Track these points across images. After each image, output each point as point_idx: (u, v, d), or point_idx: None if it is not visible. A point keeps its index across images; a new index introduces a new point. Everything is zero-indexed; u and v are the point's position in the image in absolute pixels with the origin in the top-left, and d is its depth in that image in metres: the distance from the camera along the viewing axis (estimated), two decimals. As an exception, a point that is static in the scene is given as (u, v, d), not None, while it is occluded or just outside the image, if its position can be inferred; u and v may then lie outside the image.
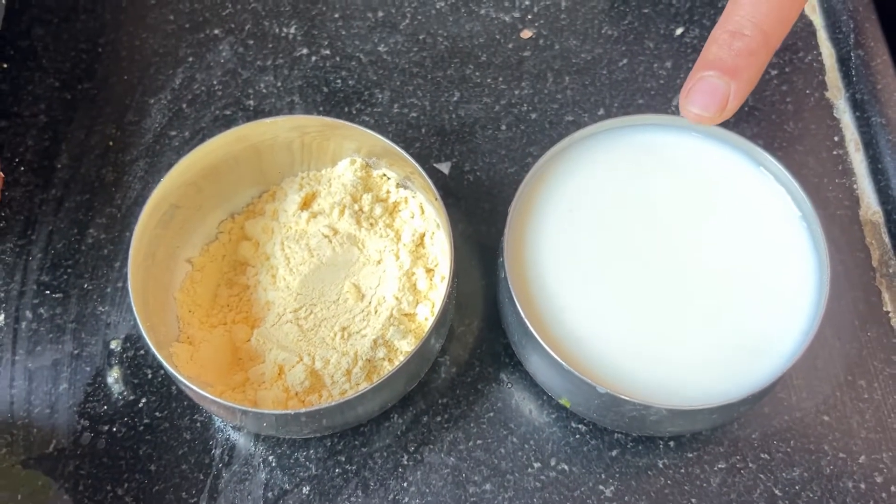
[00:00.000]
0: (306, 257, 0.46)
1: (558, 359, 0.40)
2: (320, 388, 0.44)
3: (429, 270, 0.47)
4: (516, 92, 0.56)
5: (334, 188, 0.49)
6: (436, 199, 0.45)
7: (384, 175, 0.50)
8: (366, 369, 0.44)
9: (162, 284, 0.47)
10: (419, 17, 0.59)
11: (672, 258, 0.43)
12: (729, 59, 0.42)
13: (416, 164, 0.45)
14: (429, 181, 0.45)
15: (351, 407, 0.42)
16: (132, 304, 0.42)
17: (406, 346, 0.45)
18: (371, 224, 0.48)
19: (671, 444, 0.46)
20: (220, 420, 0.47)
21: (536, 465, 0.45)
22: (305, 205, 0.49)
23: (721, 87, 0.42)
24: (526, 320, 0.41)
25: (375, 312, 0.46)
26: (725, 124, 0.44)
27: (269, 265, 0.47)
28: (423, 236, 0.48)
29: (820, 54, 0.57)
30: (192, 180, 0.47)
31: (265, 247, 0.48)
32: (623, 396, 0.39)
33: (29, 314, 0.50)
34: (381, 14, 0.59)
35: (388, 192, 0.49)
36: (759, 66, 0.43)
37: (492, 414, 0.47)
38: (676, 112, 0.45)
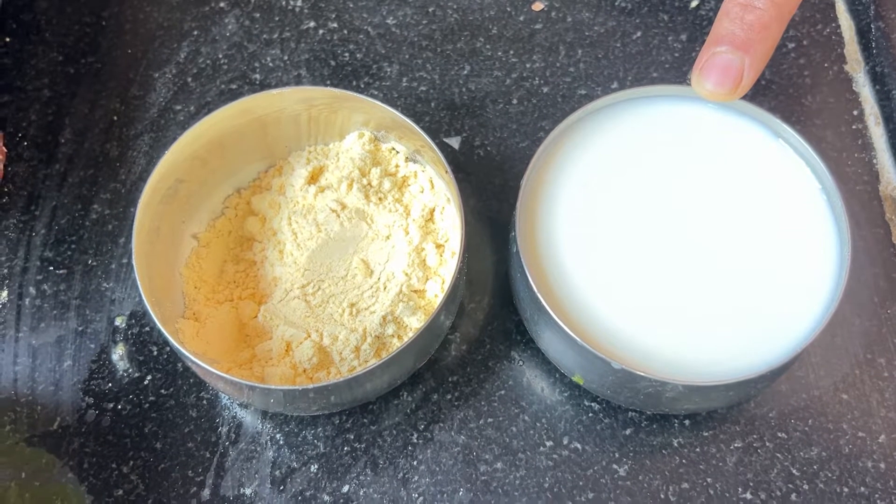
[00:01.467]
0: (314, 232, 0.45)
1: (571, 334, 0.39)
2: (328, 364, 0.43)
3: (439, 246, 0.46)
4: (528, 65, 0.55)
5: (342, 162, 0.48)
6: (446, 172, 0.44)
7: (393, 149, 0.49)
8: (374, 346, 0.43)
9: (167, 260, 0.46)
10: (428, -10, 0.58)
11: (688, 232, 0.42)
12: (741, 34, 0.41)
13: (427, 137, 0.44)
14: (439, 154, 0.44)
15: (359, 383, 0.41)
16: (137, 279, 0.41)
17: (416, 323, 0.44)
18: (380, 199, 0.47)
19: (686, 422, 0.45)
20: (227, 397, 0.46)
21: (549, 443, 0.44)
22: (313, 179, 0.48)
23: (735, 62, 0.41)
24: (538, 295, 0.40)
25: (384, 288, 0.45)
26: (742, 97, 0.43)
27: (276, 240, 0.46)
28: (432, 211, 0.47)
29: (839, 26, 0.56)
30: (197, 154, 0.46)
31: (272, 222, 0.47)
32: (638, 372, 0.38)
33: (33, 290, 0.49)
34: (389, -14, 0.58)
35: (396, 166, 0.48)
36: (773, 40, 0.42)
37: (503, 392, 0.46)
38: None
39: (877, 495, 0.43)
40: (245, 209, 0.49)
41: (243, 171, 0.49)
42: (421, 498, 0.43)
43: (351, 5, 0.57)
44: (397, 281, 0.45)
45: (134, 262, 0.42)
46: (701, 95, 0.42)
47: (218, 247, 0.48)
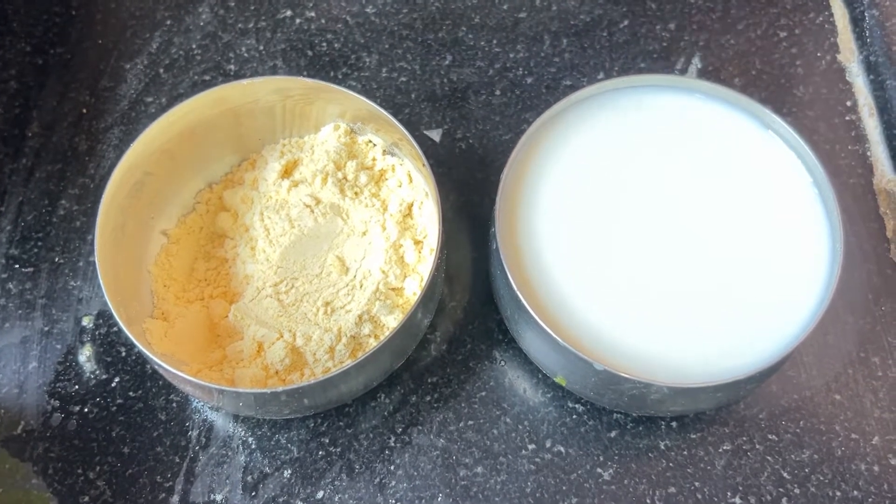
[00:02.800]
0: (287, 228, 0.44)
1: (553, 334, 0.37)
2: (302, 365, 0.42)
3: (417, 242, 0.44)
4: (511, 55, 0.53)
5: (317, 155, 0.46)
6: (424, 165, 0.42)
7: (370, 142, 0.47)
8: (350, 346, 0.41)
9: (134, 257, 0.44)
10: (409, -22, 0.56)
11: (675, 227, 0.41)
12: None
13: (403, 129, 0.42)
14: (416, 147, 0.42)
15: (333, 385, 0.39)
16: (100, 278, 0.40)
17: (393, 322, 0.42)
18: (356, 193, 0.45)
19: (673, 424, 0.43)
20: (198, 400, 0.44)
21: (531, 446, 0.43)
22: (287, 173, 0.46)
23: None
24: (519, 293, 0.38)
25: (361, 286, 0.43)
26: (732, 86, 0.42)
27: (248, 237, 0.45)
28: (410, 206, 0.45)
29: (832, 15, 0.54)
30: (166, 147, 0.44)
31: (244, 218, 0.45)
32: (622, 374, 0.37)
33: (-3, 289, 0.47)
34: (369, -26, 0.56)
35: (374, 159, 0.47)
36: None
37: (484, 393, 0.44)
38: (680, 75, 0.42)
39: (870, 499, 0.41)
40: (217, 204, 0.47)
41: (215, 164, 0.48)
42: (398, 504, 0.42)
43: (329, -6, 0.56)
44: (374, 278, 0.43)
45: (97, 261, 0.40)
46: None
47: (188, 244, 0.46)
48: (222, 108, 0.45)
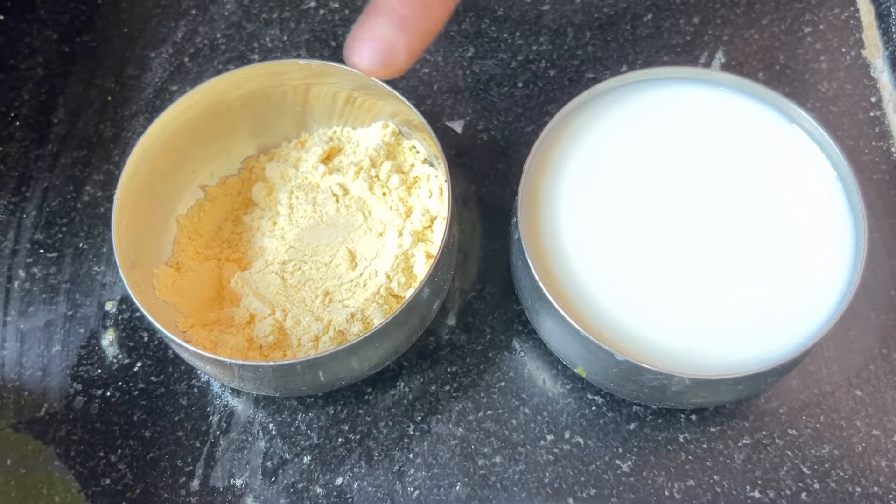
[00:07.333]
0: (309, 211, 0.44)
1: (573, 324, 0.37)
2: (286, 347, 0.41)
3: (430, 256, 0.43)
4: (534, 47, 0.53)
5: (358, 148, 0.46)
6: (437, 146, 0.42)
7: (413, 147, 0.46)
8: (336, 340, 0.41)
9: (165, 204, 0.45)
10: (433, -30, 0.56)
11: (697, 219, 0.40)
12: (400, 9, 0.37)
13: (424, 121, 0.42)
14: (432, 133, 0.42)
15: (312, 368, 0.39)
16: (113, 216, 0.40)
17: None
18: (384, 193, 0.45)
19: (693, 417, 0.43)
20: (219, 385, 0.45)
21: (549, 437, 0.43)
22: (327, 159, 0.46)
23: (389, 37, 0.38)
24: (540, 283, 0.38)
25: (364, 286, 0.43)
26: (755, 79, 0.41)
27: (273, 211, 0.45)
28: (433, 220, 0.44)
29: (857, 10, 0.54)
30: (226, 101, 0.45)
31: (277, 192, 0.46)
32: (643, 364, 0.37)
33: (22, 273, 0.48)
34: (393, -34, 0.56)
35: (412, 165, 0.46)
36: (434, 20, 0.38)
37: (503, 383, 0.44)
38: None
39: (891, 495, 0.41)
40: (259, 174, 0.47)
41: (270, 136, 0.48)
42: (417, 492, 0.42)
43: (353, -15, 0.56)
44: (377, 281, 0.42)
45: (116, 197, 0.41)
46: (353, 67, 0.39)
47: (223, 204, 0.47)
48: (296, 82, 0.45)
